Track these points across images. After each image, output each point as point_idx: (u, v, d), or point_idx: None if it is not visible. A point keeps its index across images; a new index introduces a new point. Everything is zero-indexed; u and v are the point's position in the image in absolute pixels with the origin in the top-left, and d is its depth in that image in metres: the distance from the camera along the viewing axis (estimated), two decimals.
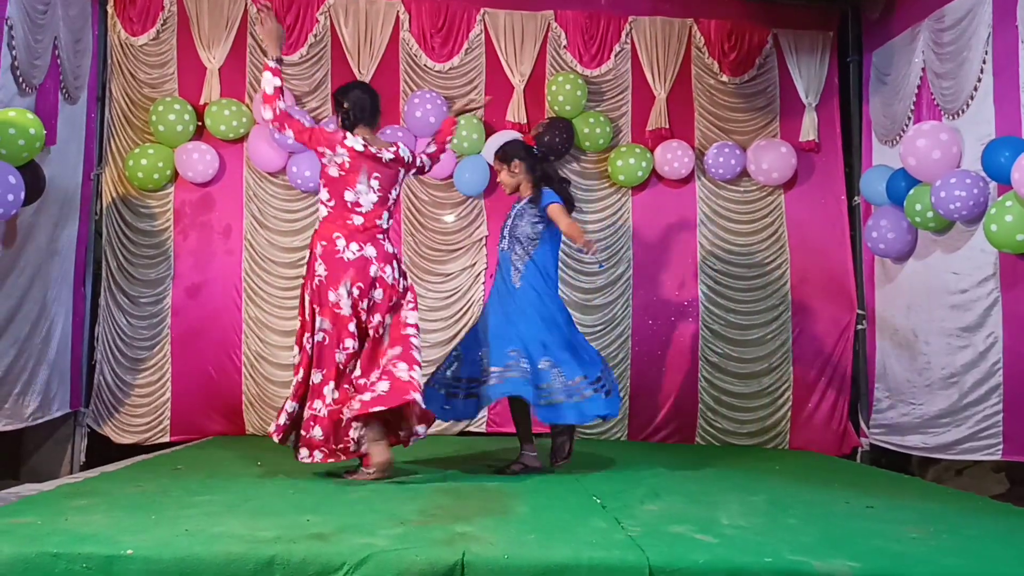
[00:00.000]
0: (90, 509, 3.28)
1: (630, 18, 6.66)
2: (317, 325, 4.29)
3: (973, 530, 3.50)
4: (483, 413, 6.39)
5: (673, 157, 6.48)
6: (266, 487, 3.96)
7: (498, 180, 5.05)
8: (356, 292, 4.28)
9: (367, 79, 6.42)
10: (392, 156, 4.46)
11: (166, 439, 6.13)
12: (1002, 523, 3.70)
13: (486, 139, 6.42)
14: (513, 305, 4.71)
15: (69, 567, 2.59)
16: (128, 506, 3.37)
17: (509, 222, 4.82)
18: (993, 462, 5.27)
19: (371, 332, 4.35)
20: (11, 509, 3.29)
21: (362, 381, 4.28)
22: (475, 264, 6.50)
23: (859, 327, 6.49)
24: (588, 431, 6.36)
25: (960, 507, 4.10)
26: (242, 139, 6.37)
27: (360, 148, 4.37)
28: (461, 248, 6.49)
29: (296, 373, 4.37)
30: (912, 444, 5.75)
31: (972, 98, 5.20)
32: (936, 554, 3.00)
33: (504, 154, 4.87)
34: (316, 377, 4.26)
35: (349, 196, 4.35)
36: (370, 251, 4.33)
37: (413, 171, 4.69)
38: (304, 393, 4.30)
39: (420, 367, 4.33)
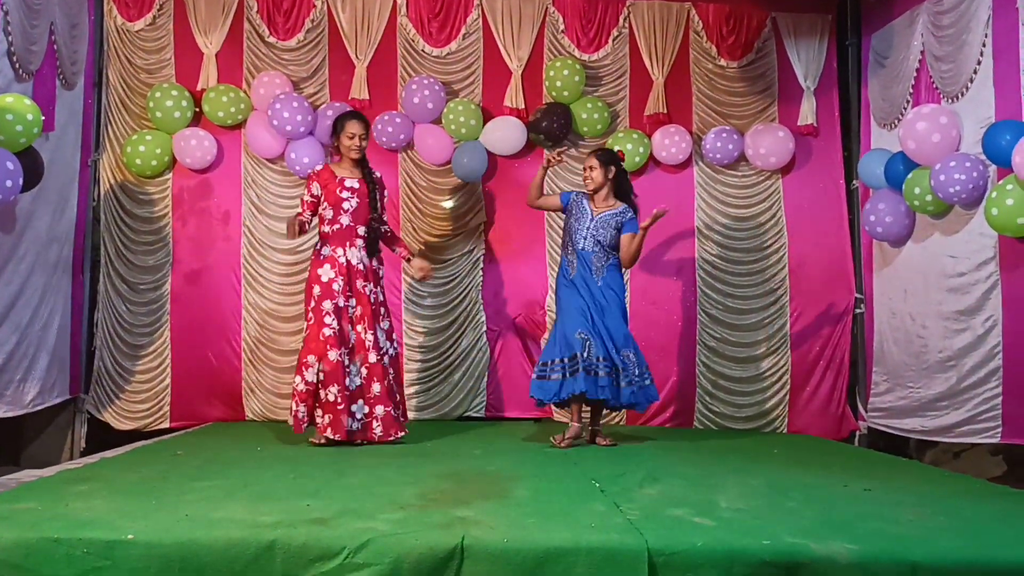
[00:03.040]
0: (90, 495, 3.29)
1: (628, 2, 6.64)
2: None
3: (970, 512, 3.51)
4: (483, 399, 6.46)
5: (671, 142, 6.47)
6: (266, 472, 3.96)
7: (589, 177, 5.34)
8: None
9: (365, 64, 6.42)
10: None
11: (166, 425, 6.14)
12: (999, 505, 3.71)
13: (483, 124, 6.41)
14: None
15: (70, 552, 2.60)
16: (128, 492, 3.38)
17: (594, 227, 5.25)
18: (991, 445, 5.27)
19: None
20: (12, 495, 3.30)
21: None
22: (473, 250, 6.49)
23: (857, 311, 6.50)
24: (586, 415, 6.37)
25: (958, 489, 4.11)
26: (240, 125, 6.35)
27: None
28: (460, 234, 6.48)
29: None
30: (910, 427, 5.76)
31: (972, 81, 5.18)
32: (934, 536, 3.01)
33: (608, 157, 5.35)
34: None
35: None
36: None
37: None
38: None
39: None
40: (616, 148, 5.77)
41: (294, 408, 4.92)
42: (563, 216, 5.48)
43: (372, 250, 5.14)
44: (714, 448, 5.37)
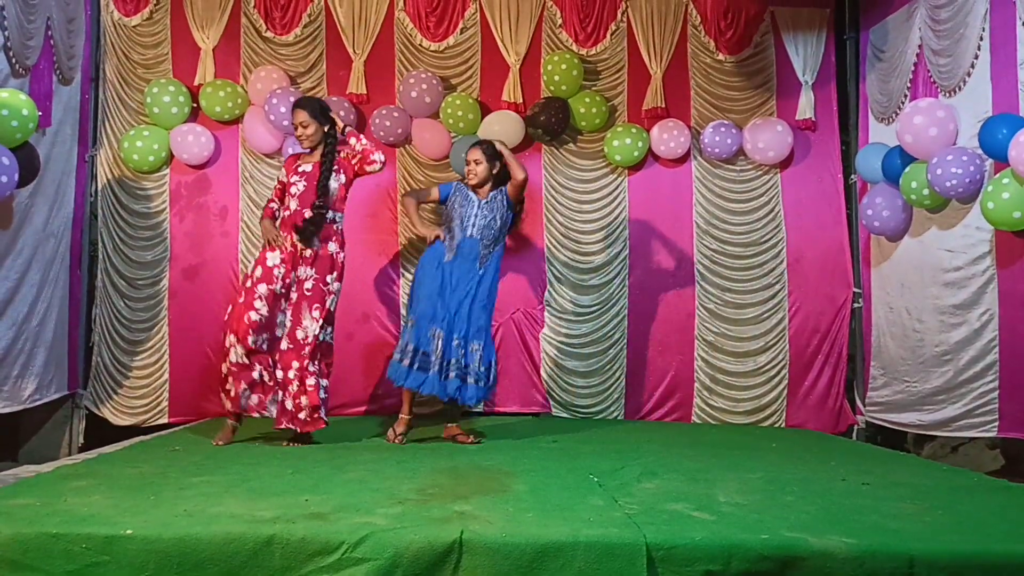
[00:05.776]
0: (89, 490, 3.29)
1: None
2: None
3: (968, 506, 3.51)
4: None
5: (669, 136, 6.46)
6: (264, 468, 3.97)
7: (474, 171, 5.15)
8: None
9: (362, 59, 6.41)
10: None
11: (164, 421, 6.14)
12: (997, 499, 3.71)
13: (481, 119, 6.39)
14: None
15: (69, 548, 2.60)
16: (127, 487, 3.38)
17: (481, 213, 5.12)
18: (988, 439, 5.28)
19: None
20: (10, 491, 3.30)
21: None
22: None
23: (855, 305, 6.50)
24: (585, 410, 6.39)
25: (955, 484, 4.12)
26: (237, 120, 6.35)
27: None
28: None
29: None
30: (908, 421, 5.77)
31: (969, 75, 5.18)
32: (931, 530, 3.02)
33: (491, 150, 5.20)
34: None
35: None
36: None
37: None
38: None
39: None
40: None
41: (231, 389, 4.78)
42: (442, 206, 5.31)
43: (304, 238, 4.85)
44: (712, 442, 5.37)
